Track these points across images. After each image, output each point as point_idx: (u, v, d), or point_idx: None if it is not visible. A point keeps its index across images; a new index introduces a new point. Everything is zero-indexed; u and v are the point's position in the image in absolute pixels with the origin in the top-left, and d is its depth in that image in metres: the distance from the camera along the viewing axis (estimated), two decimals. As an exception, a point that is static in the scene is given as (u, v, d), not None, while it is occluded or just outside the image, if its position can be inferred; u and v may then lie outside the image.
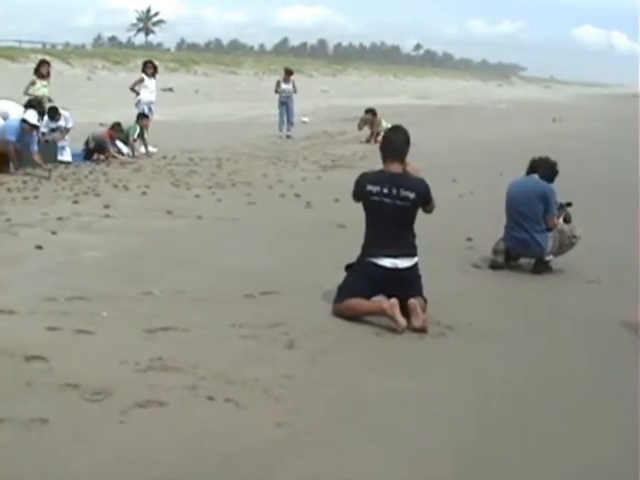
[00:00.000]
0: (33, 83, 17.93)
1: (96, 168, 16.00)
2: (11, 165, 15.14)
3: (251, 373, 5.26)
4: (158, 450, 4.24)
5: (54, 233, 9.51)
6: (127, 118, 19.32)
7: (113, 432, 4.41)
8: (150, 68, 20.41)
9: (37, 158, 15.30)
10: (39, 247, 8.72)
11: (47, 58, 22.51)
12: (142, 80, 20.17)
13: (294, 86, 25.02)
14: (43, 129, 15.89)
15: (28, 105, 16.06)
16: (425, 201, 6.74)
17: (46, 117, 16.52)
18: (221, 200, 12.35)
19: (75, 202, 11.75)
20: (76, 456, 4.14)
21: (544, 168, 8.82)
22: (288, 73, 25.38)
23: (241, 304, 6.84)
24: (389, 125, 21.11)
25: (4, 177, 14.14)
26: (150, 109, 20.04)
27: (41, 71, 18.10)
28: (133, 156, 18.08)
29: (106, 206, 11.40)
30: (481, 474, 4.25)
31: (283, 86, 24.84)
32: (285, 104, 24.61)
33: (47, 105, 17.47)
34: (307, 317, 6.52)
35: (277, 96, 25.01)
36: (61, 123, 16.92)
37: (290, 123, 24.73)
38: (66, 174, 14.93)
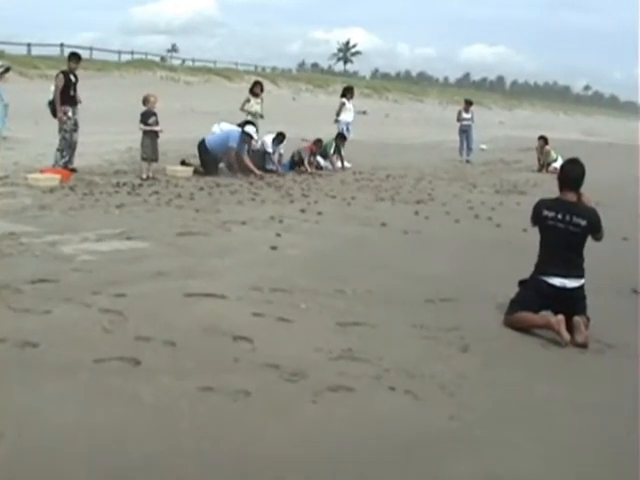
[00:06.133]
0: (248, 100, 18.49)
1: (299, 178, 16.40)
2: (224, 167, 15.92)
3: (429, 370, 5.21)
4: (345, 429, 4.26)
5: (261, 231, 9.79)
6: (326, 134, 19.64)
7: (306, 410, 4.47)
8: (350, 93, 20.71)
9: (249, 163, 15.89)
10: (248, 242, 9.03)
11: (259, 79, 23.14)
12: (344, 104, 20.53)
13: (473, 116, 24.76)
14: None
15: (246, 123, 16.63)
16: (595, 229, 6.57)
17: (269, 138, 17.13)
18: (413, 213, 12.31)
19: (282, 205, 12.07)
20: (273, 427, 4.22)
21: None
22: (468, 103, 25.08)
23: (422, 308, 6.80)
24: (558, 156, 20.72)
25: (223, 180, 14.73)
26: (348, 129, 20.37)
27: (255, 90, 18.63)
28: (333, 169, 18.42)
29: (308, 211, 11.65)
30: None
31: (464, 115, 24.61)
32: (465, 132, 24.41)
33: (259, 120, 18.04)
34: (481, 325, 6.42)
35: (458, 124, 24.83)
36: (281, 149, 17.41)
37: (469, 149, 24.47)
38: (274, 181, 15.35)
